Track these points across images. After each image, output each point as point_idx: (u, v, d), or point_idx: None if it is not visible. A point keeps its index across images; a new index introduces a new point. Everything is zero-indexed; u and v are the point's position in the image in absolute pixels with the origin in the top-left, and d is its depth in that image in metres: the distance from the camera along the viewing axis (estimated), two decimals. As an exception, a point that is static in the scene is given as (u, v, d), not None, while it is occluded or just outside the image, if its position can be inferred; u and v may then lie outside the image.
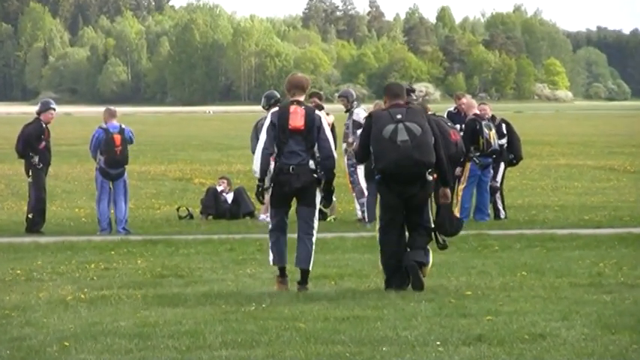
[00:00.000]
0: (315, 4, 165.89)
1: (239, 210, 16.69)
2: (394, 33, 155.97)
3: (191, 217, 16.79)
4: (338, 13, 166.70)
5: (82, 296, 8.93)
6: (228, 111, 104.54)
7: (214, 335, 7.07)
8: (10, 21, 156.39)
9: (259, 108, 16.05)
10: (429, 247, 9.08)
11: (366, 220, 14.85)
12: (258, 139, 9.38)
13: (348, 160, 15.52)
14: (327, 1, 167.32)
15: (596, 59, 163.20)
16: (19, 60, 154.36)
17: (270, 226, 9.19)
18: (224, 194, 16.90)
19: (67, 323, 7.66)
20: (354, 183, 15.46)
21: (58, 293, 9.18)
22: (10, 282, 10.08)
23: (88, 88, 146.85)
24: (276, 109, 9.24)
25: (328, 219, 15.66)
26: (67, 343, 6.89)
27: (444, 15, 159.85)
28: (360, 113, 15.32)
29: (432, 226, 9.06)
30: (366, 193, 14.94)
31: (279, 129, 8.97)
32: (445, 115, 15.55)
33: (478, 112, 15.48)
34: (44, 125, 15.17)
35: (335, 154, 9.13)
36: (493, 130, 15.33)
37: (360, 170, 15.03)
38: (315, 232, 9.09)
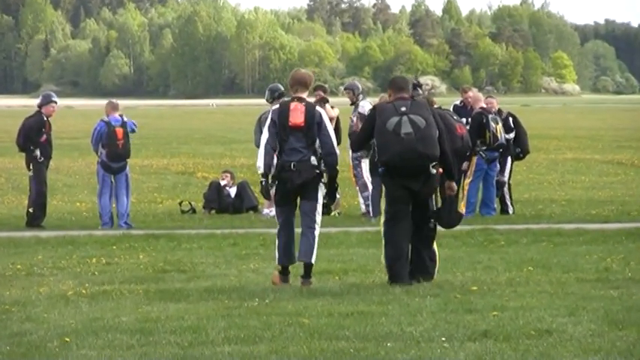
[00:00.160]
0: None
1: (242, 204, 16.62)
2: (400, 25, 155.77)
3: (194, 211, 16.72)
4: (343, 6, 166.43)
5: (83, 291, 8.89)
6: (231, 104, 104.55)
7: (217, 331, 7.03)
8: (11, 13, 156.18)
9: (263, 101, 15.99)
10: (434, 248, 9.02)
11: (371, 214, 14.80)
12: (262, 132, 9.37)
13: (353, 152, 15.42)
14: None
15: (604, 52, 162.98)
16: (20, 52, 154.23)
17: (277, 225, 9.16)
18: (227, 188, 16.83)
19: (68, 318, 7.62)
20: (358, 176, 15.40)
21: (58, 288, 9.14)
22: (11, 277, 10.05)
23: (90, 81, 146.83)
24: (276, 106, 9.22)
25: (332, 213, 15.59)
26: (67, 339, 6.86)
27: (450, 7, 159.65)
28: (366, 106, 15.25)
29: (432, 215, 9.02)
30: (370, 186, 14.88)
31: (280, 126, 8.97)
32: (451, 109, 15.47)
33: (485, 106, 15.39)
34: (45, 118, 15.11)
35: (337, 151, 9.09)
36: (500, 124, 15.24)
37: (365, 164, 14.96)
38: (317, 225, 9.07)
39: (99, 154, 14.95)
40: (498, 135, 15.16)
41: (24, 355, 6.53)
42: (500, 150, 15.38)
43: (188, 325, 7.26)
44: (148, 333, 7.01)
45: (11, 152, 25.02)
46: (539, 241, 12.33)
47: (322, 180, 9.03)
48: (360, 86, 16.07)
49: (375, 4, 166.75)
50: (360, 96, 15.65)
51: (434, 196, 9.10)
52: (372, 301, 8.14)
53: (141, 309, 7.98)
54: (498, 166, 15.51)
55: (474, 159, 15.20)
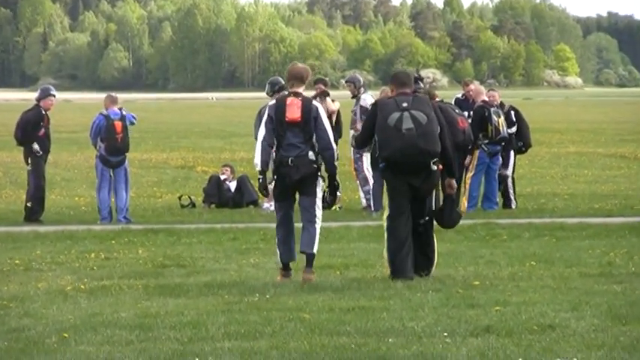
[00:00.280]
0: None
1: (242, 198, 16.55)
2: (401, 18, 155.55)
3: (193, 205, 16.66)
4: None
5: (82, 287, 8.84)
6: (231, 97, 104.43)
7: (217, 326, 6.99)
8: (9, 5, 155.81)
9: (263, 94, 15.92)
10: (434, 244, 8.97)
11: (372, 208, 14.74)
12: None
13: (357, 149, 15.33)
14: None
15: (607, 45, 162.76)
16: (18, 45, 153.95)
17: (276, 221, 9.11)
18: (227, 182, 16.77)
19: (67, 314, 7.58)
20: (359, 170, 15.34)
21: (57, 283, 9.10)
22: (9, 272, 9.99)
23: (89, 74, 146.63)
24: (273, 101, 9.15)
25: (333, 208, 15.52)
26: (66, 335, 6.82)
27: (451, 0, 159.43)
28: (367, 99, 15.18)
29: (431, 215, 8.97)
30: (370, 180, 14.82)
31: (277, 122, 8.92)
32: (453, 102, 15.40)
33: (486, 99, 15.31)
34: (44, 112, 15.03)
35: (334, 146, 9.02)
36: (502, 117, 15.15)
37: (366, 158, 14.90)
38: (318, 220, 9.02)
39: (98, 147, 14.88)
40: (500, 128, 15.08)
41: (22, 350, 6.48)
42: (503, 143, 15.30)
43: (188, 320, 7.22)
44: (148, 328, 6.97)
45: (9, 146, 24.93)
46: (542, 235, 12.27)
47: (319, 174, 8.97)
48: (361, 79, 16.00)
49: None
50: (362, 89, 15.59)
51: (434, 193, 9.04)
52: (374, 296, 8.10)
53: (140, 304, 7.93)
54: (500, 159, 15.43)
55: (476, 153, 15.14)
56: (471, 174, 15.15)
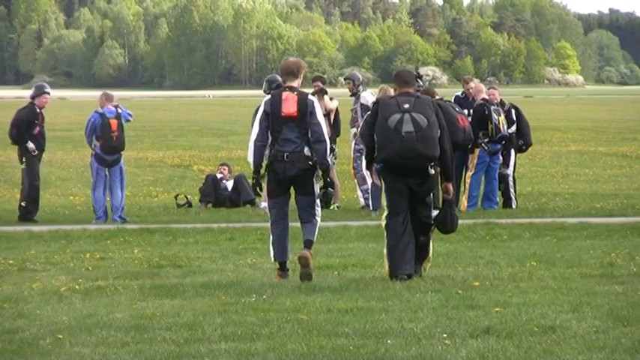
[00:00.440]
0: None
1: (239, 198, 16.48)
2: (400, 15, 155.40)
3: (190, 205, 16.59)
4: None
5: (77, 287, 8.78)
6: (228, 95, 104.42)
7: (213, 327, 6.93)
8: (4, 2, 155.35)
9: (260, 92, 15.84)
10: (429, 245, 8.91)
11: (371, 207, 14.69)
12: (260, 124, 9.19)
13: (356, 144, 15.27)
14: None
15: (608, 42, 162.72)
16: (13, 42, 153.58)
17: (270, 218, 9.00)
18: (224, 181, 16.69)
19: (61, 315, 7.52)
20: (357, 169, 15.28)
21: (51, 284, 9.04)
22: (3, 272, 9.94)
23: (84, 72, 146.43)
24: (268, 97, 9.05)
25: (331, 207, 15.47)
26: (60, 336, 6.76)
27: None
28: (368, 97, 15.13)
29: (432, 222, 8.92)
30: (369, 180, 14.76)
31: (272, 117, 8.82)
32: (453, 100, 15.32)
33: (487, 97, 15.24)
34: (38, 110, 14.96)
35: (328, 140, 8.92)
36: (502, 116, 15.09)
37: (365, 157, 14.85)
38: (317, 215, 8.95)
39: (93, 146, 14.80)
40: (501, 127, 15.02)
41: (16, 352, 6.42)
42: (503, 142, 15.23)
43: (184, 321, 7.16)
44: (143, 330, 6.91)
45: (3, 145, 24.88)
46: (543, 235, 12.22)
47: (316, 173, 8.88)
48: (360, 77, 15.94)
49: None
50: (361, 87, 15.53)
51: (434, 194, 8.98)
52: (372, 296, 8.04)
53: (136, 305, 7.87)
54: (501, 158, 15.35)
55: (477, 152, 15.07)
56: (471, 173, 15.08)
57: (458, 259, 10.17)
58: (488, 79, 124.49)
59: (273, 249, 8.95)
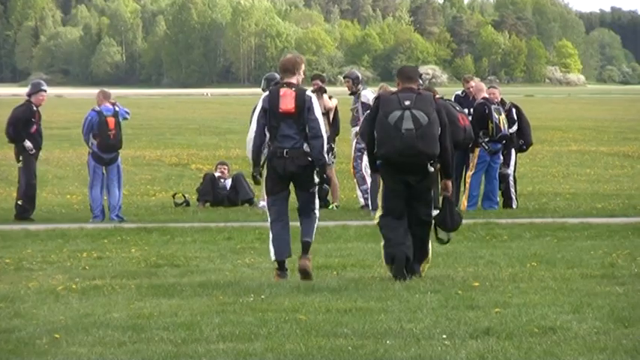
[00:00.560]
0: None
1: (237, 197, 16.43)
2: (400, 13, 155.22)
3: (187, 204, 16.54)
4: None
5: (74, 286, 8.73)
6: (226, 93, 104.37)
7: (211, 327, 6.89)
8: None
9: (259, 90, 15.76)
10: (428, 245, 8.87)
11: (370, 207, 14.65)
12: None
13: (357, 144, 15.23)
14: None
15: (610, 41, 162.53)
16: (9, 40, 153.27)
17: (269, 217, 8.95)
18: (222, 180, 16.64)
19: (58, 314, 7.48)
20: (357, 168, 15.24)
21: (48, 283, 8.99)
22: (-1, 271, 9.87)
23: (81, 69, 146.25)
24: (266, 93, 9.02)
25: (330, 206, 15.42)
26: (57, 335, 6.72)
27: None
28: (368, 95, 15.09)
29: (433, 220, 8.88)
30: (368, 179, 14.73)
31: (270, 113, 8.80)
32: (453, 99, 15.27)
33: (487, 96, 15.20)
34: (35, 108, 14.91)
35: (325, 136, 8.89)
36: (503, 115, 15.05)
37: (366, 157, 14.80)
38: (316, 210, 8.95)
39: (90, 144, 14.75)
40: (501, 126, 14.98)
41: (12, 352, 6.38)
42: (504, 141, 15.19)
43: (181, 321, 7.12)
44: (140, 329, 6.87)
45: (-1, 143, 24.80)
46: (543, 235, 12.19)
47: (316, 169, 8.84)
48: (359, 75, 15.90)
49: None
50: (360, 85, 15.48)
51: (433, 192, 8.93)
52: (371, 297, 8.01)
53: (133, 305, 7.83)
54: (501, 158, 15.31)
55: (477, 151, 15.03)
56: (472, 172, 15.04)
57: (458, 259, 10.14)
58: (489, 77, 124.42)
59: (273, 247, 8.91)
